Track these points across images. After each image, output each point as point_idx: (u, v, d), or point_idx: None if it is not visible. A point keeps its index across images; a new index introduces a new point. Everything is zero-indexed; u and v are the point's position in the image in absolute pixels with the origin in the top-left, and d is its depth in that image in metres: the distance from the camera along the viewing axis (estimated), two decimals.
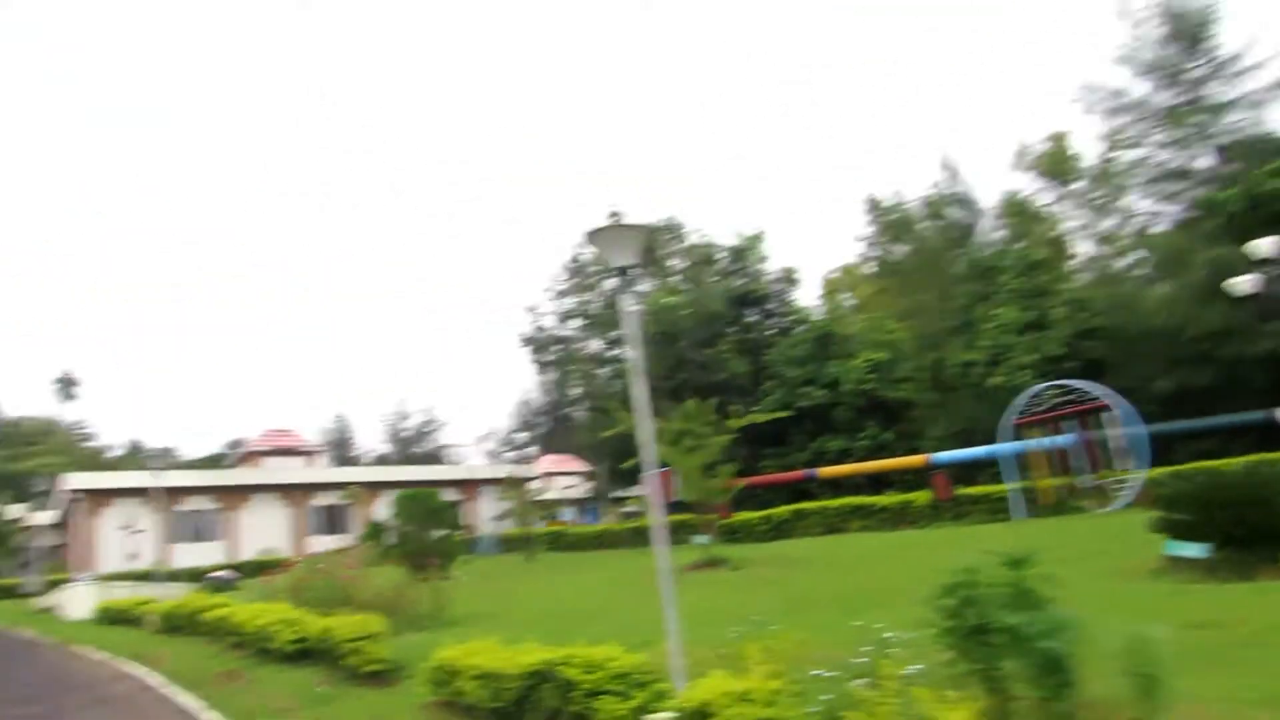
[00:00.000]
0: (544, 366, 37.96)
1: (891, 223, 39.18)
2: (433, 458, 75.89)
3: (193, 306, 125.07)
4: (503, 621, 14.25)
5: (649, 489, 8.43)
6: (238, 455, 51.09)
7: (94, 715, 11.33)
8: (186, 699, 11.87)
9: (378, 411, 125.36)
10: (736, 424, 19.86)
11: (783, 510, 27.15)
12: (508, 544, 33.12)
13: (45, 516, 41.68)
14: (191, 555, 38.74)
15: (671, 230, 39.13)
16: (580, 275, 37.61)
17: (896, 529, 25.62)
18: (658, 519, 7.42)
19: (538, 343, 36.88)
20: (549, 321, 38.17)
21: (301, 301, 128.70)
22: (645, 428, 7.57)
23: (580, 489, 50.24)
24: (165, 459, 41.46)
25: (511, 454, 72.63)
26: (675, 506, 29.60)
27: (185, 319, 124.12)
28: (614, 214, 7.50)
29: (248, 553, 40.30)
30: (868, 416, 35.62)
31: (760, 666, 6.78)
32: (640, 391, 7.45)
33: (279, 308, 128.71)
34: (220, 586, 30.64)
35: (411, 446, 79.07)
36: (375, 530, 22.71)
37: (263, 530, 41.51)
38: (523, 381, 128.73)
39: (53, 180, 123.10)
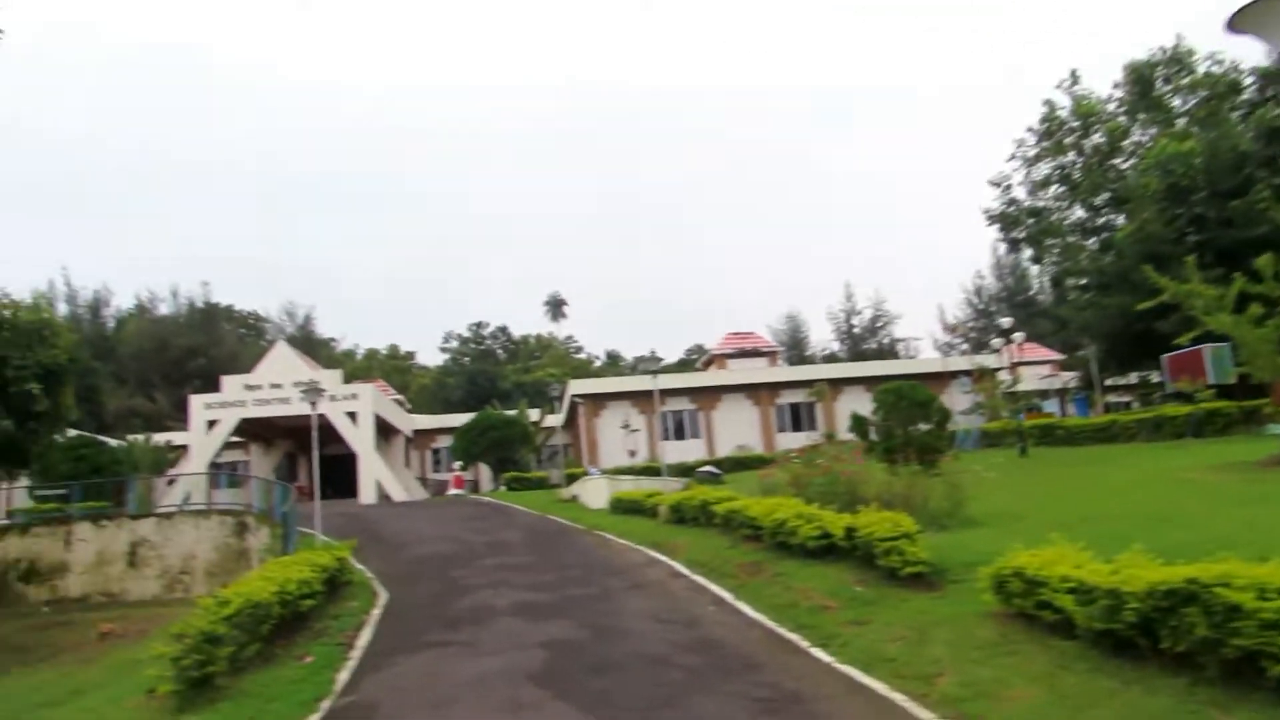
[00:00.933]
0: (1014, 245, 33.76)
1: None
2: (885, 353, 74.26)
3: (646, 226, 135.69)
4: (1034, 523, 12.45)
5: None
6: (704, 359, 54.26)
7: (637, 598, 11.90)
8: (717, 588, 11.99)
9: (827, 308, 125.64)
10: None
11: None
12: (988, 438, 30.69)
13: (554, 419, 47.43)
14: (675, 451, 41.81)
15: (1173, 62, 32.03)
16: (1056, 135, 32.49)
17: None
18: None
19: (1007, 219, 32.82)
20: (1019, 194, 33.85)
21: (744, 201, 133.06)
22: None
23: (1056, 378, 45.38)
24: (647, 366, 45.07)
25: (969, 345, 68.55)
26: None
27: (644, 238, 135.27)
28: None
29: (722, 449, 42.66)
30: None
31: None
32: None
33: (721, 213, 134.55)
34: (707, 480, 32.54)
35: (862, 343, 78.09)
36: (859, 424, 21.88)
37: (734, 428, 43.60)
38: (975, 267, 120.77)
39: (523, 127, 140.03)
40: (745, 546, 13.73)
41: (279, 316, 79.95)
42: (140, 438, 42.36)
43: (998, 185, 33.61)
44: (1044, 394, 41.63)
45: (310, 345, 71.62)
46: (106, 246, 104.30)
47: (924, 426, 21.21)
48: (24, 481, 31.44)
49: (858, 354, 74.61)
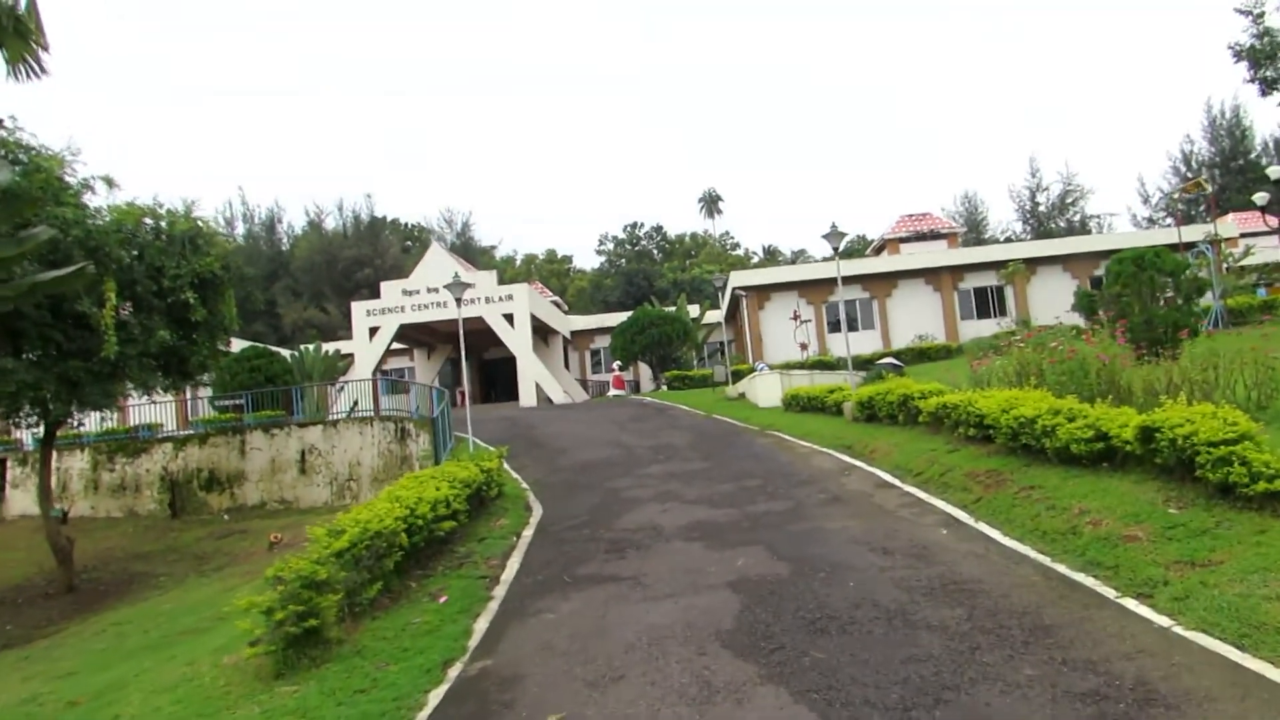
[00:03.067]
0: (1267, 86, 27.71)
1: None
2: (1076, 231, 67.13)
3: (798, 115, 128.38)
4: None
5: None
6: (875, 244, 50.03)
7: (842, 516, 9.50)
8: (945, 505, 9.42)
9: (1009, 185, 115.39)
10: None
11: None
12: (1235, 316, 25.94)
13: (715, 314, 45.23)
14: (847, 344, 38.75)
15: None
16: None
17: None
18: None
19: (1258, 54, 26.83)
20: (1276, 23, 27.47)
21: (909, 80, 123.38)
22: None
23: None
24: (807, 258, 41.61)
25: (1171, 218, 60.99)
26: None
27: (797, 130, 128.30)
28: None
29: (899, 339, 39.10)
30: None
31: None
32: None
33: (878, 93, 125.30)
34: (890, 373, 29.45)
35: (1049, 221, 70.88)
36: (1086, 301, 18.29)
37: (912, 316, 39.78)
38: (1184, 131, 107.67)
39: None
40: (969, 450, 11.03)
41: (439, 225, 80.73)
42: (310, 347, 43.23)
43: (1248, 14, 27.47)
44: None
45: (469, 252, 71.89)
46: (279, 165, 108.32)
47: (1169, 303, 17.46)
48: (204, 392, 32.37)
49: (1043, 234, 67.85)
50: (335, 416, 28.53)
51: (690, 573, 7.75)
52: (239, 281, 25.00)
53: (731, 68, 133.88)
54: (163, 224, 22.14)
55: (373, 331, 38.45)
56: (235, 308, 26.06)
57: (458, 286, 17.87)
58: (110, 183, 19.40)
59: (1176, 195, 48.97)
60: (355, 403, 30.41)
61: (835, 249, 18.27)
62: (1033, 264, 38.84)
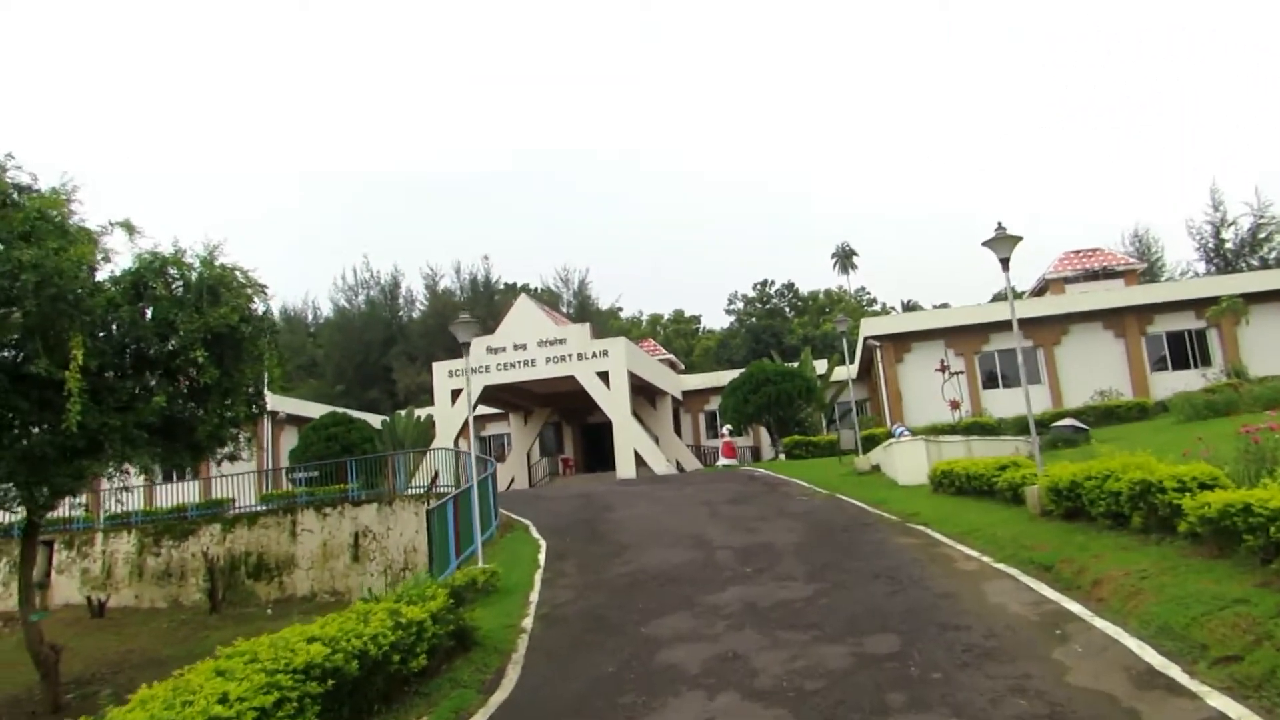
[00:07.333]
0: None
1: None
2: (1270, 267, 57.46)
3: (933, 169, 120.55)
4: None
5: None
6: (1036, 287, 42.96)
7: None
8: None
9: (1186, 221, 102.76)
10: None
11: None
12: None
13: (846, 370, 39.32)
14: (1007, 402, 32.14)
15: None
16: None
17: None
18: None
19: None
20: None
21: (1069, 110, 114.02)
22: None
23: None
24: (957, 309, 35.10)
25: None
26: None
27: (932, 185, 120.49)
28: None
29: (1074, 396, 32.07)
30: None
31: None
32: None
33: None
34: (1066, 440, 23.08)
35: (1238, 260, 61.19)
36: None
37: (1087, 368, 32.66)
38: None
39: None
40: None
41: (555, 285, 78.02)
42: (402, 413, 39.84)
43: None
44: None
45: (586, 313, 68.52)
46: (399, 240, 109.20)
47: None
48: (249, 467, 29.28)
49: (1229, 272, 58.42)
50: (413, 492, 24.74)
51: None
52: (265, 335, 21.32)
53: (861, 119, 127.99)
54: (190, 274, 18.72)
55: (455, 394, 34.58)
56: (278, 368, 22.34)
57: (463, 329, 13.24)
58: (130, 229, 16.17)
59: None
60: (436, 475, 26.46)
61: (1004, 260, 12.63)
62: (1251, 299, 31.16)
